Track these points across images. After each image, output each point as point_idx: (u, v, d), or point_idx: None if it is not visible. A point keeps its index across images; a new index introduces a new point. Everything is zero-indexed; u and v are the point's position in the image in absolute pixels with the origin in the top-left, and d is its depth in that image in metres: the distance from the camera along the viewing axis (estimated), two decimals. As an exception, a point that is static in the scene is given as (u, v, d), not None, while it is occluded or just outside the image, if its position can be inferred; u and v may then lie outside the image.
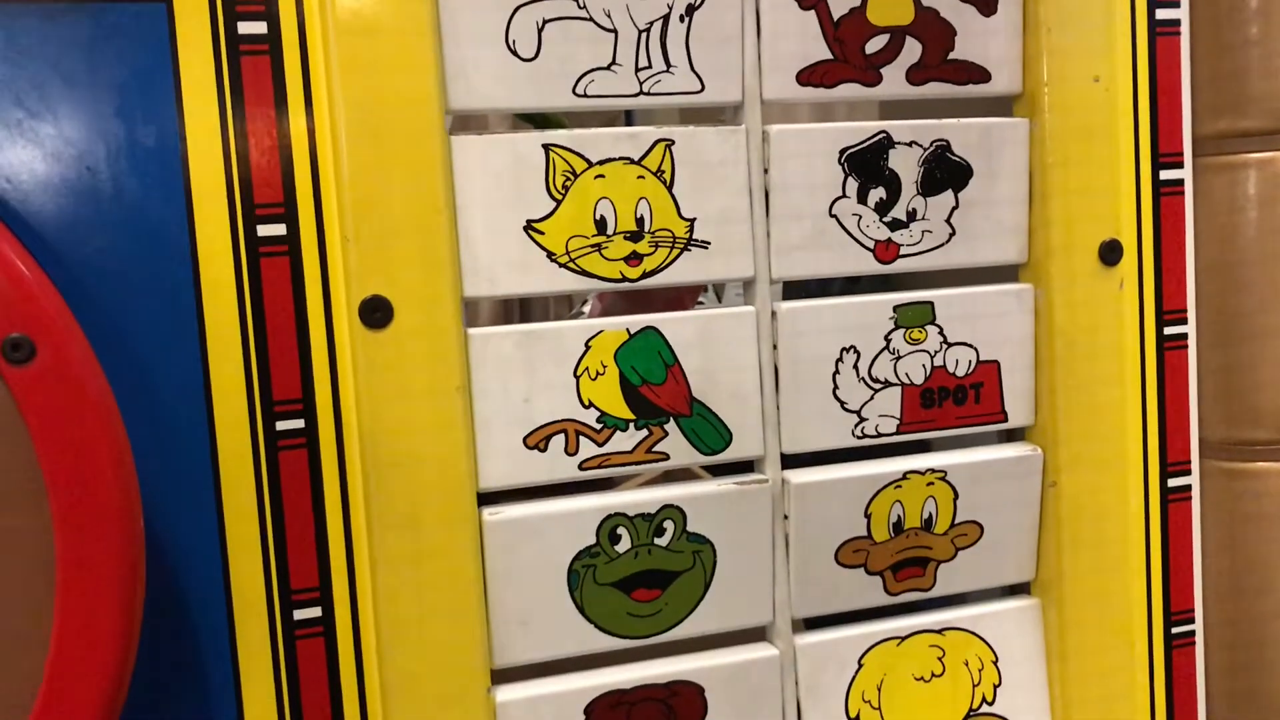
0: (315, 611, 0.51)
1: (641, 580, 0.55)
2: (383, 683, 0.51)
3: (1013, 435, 0.62)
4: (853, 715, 0.59)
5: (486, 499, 0.53)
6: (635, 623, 0.55)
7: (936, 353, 0.59)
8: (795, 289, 0.60)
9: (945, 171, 0.58)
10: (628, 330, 0.54)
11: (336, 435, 0.51)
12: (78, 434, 0.44)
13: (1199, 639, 0.66)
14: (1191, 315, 0.64)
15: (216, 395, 0.49)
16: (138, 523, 0.45)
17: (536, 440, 0.53)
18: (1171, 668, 0.65)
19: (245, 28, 0.48)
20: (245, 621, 0.50)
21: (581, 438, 0.54)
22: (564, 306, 1.27)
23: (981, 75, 0.59)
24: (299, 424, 0.50)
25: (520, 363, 0.52)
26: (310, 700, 0.51)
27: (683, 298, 0.76)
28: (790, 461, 0.58)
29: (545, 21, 0.52)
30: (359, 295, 0.49)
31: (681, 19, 0.53)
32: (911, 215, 0.58)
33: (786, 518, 0.57)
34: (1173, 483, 0.65)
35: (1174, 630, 0.66)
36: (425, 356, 0.50)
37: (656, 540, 0.55)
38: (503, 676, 0.54)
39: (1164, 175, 0.63)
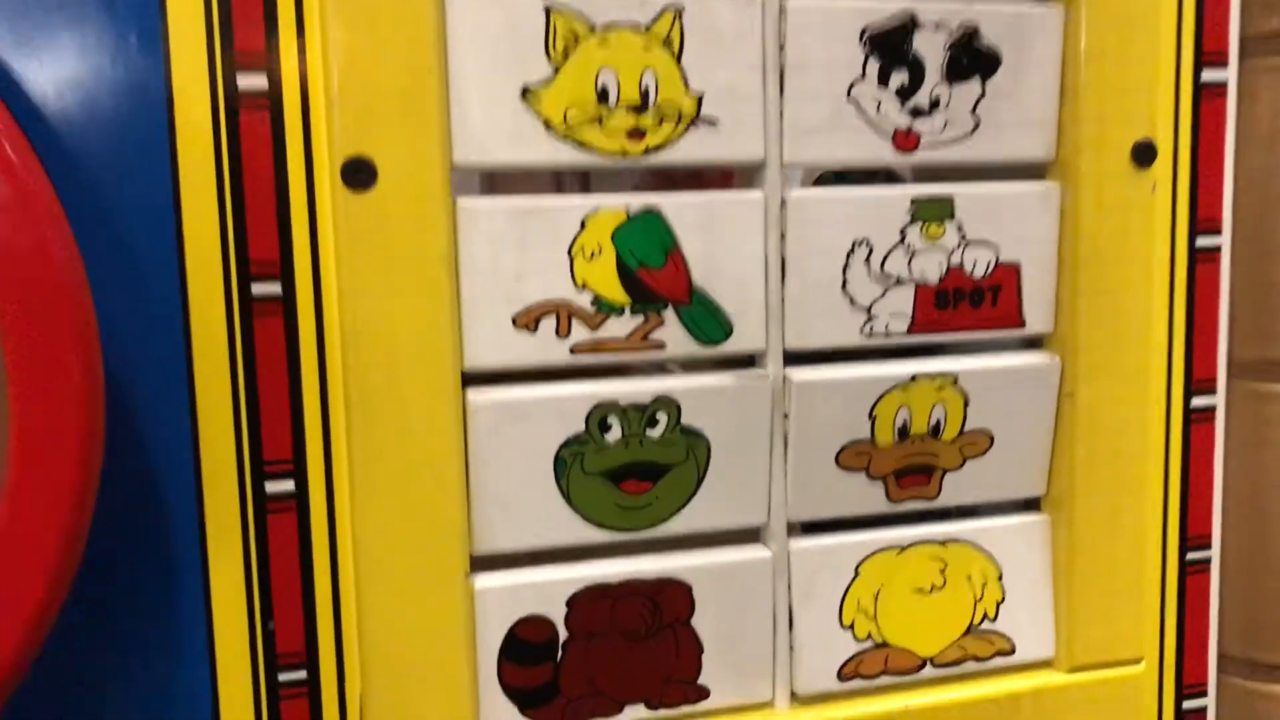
0: (288, 485, 0.49)
1: (631, 472, 0.53)
2: (357, 564, 0.49)
3: (1030, 343, 0.59)
4: (847, 623, 0.57)
5: (471, 381, 0.51)
6: (623, 515, 0.53)
7: (954, 251, 0.56)
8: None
9: (972, 59, 0.55)
10: (627, 210, 0.51)
11: (315, 302, 0.49)
12: (38, 295, 0.41)
13: (1215, 565, 0.63)
14: (1227, 227, 0.61)
15: (190, 255, 0.47)
16: (98, 390, 0.43)
17: (526, 321, 0.51)
18: (1184, 594, 0.63)
19: None
20: (214, 491, 0.48)
21: (574, 321, 0.51)
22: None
23: (1017, -45, 0.55)
24: (275, 288, 0.48)
25: (512, 238, 0.50)
26: (280, 577, 0.49)
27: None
28: (793, 359, 0.55)
29: None
30: (341, 155, 0.47)
31: (696, -124, 0.50)
32: (934, 103, 0.55)
33: (786, 416, 0.55)
34: (1196, 401, 0.62)
35: (1189, 555, 0.63)
36: (410, 223, 0.48)
37: (649, 432, 0.53)
38: (483, 564, 0.52)
39: (1206, 76, 0.59)
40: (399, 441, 0.49)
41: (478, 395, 0.51)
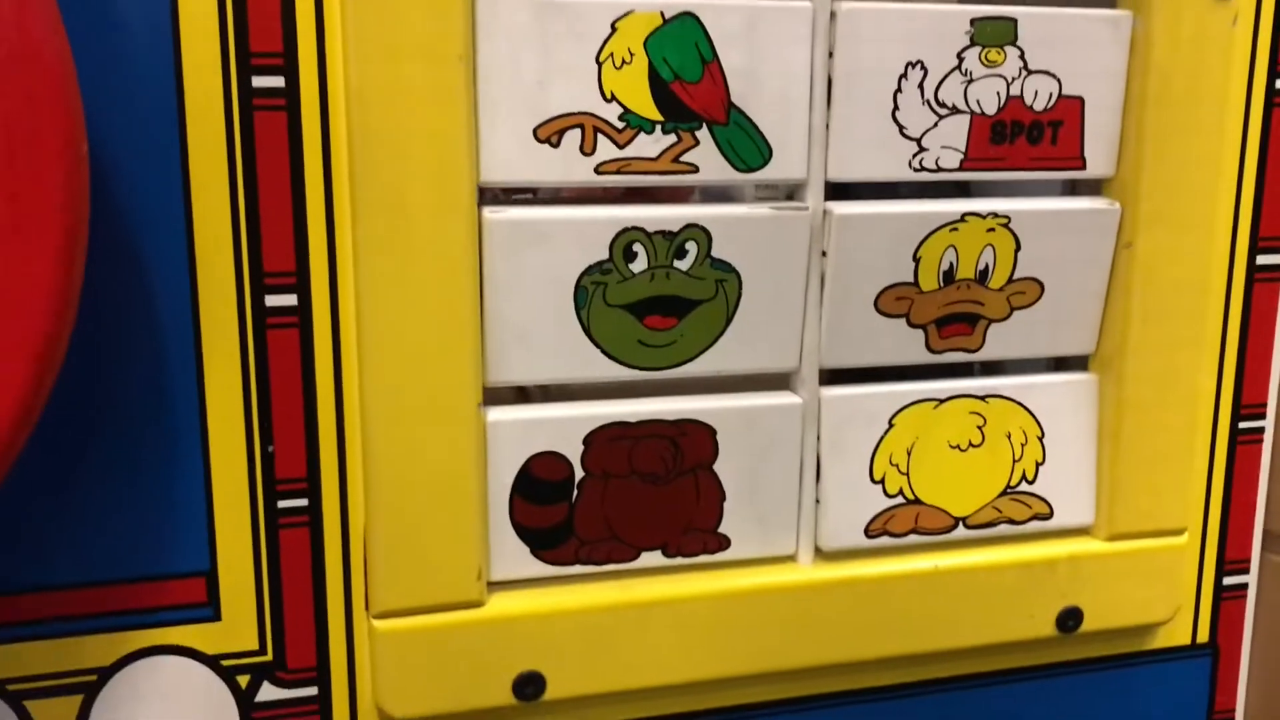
0: (290, 299, 0.46)
1: (657, 306, 0.49)
2: (362, 387, 0.46)
3: (1090, 188, 0.55)
4: (877, 477, 0.54)
5: (488, 198, 0.47)
6: (646, 352, 0.50)
7: (1014, 80, 0.52)
8: None
9: None
10: (662, 14, 0.47)
11: (320, 99, 0.45)
12: (22, 82, 0.37)
13: (1268, 437, 0.60)
14: (1311, 70, 0.56)
15: (185, 43, 0.43)
16: (82, 185, 0.39)
17: (548, 133, 0.47)
18: (1234, 463, 0.60)
19: None
20: (211, 303, 0.45)
21: (600, 136, 0.47)
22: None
23: None
24: (278, 81, 0.44)
25: (535, 37, 0.46)
26: (281, 398, 0.46)
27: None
28: (835, 191, 0.51)
29: None
30: (351, -69, 0.42)
31: None
32: (1003, -87, 0.50)
33: (825, 254, 0.51)
34: (1262, 260, 0.58)
35: (1241, 425, 0.60)
36: (424, 13, 0.44)
37: (677, 263, 0.49)
38: (497, 397, 0.49)
39: (1302, -102, 0.54)
40: (409, 258, 0.45)
41: (494, 213, 0.47)
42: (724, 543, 0.52)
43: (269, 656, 0.48)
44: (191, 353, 0.45)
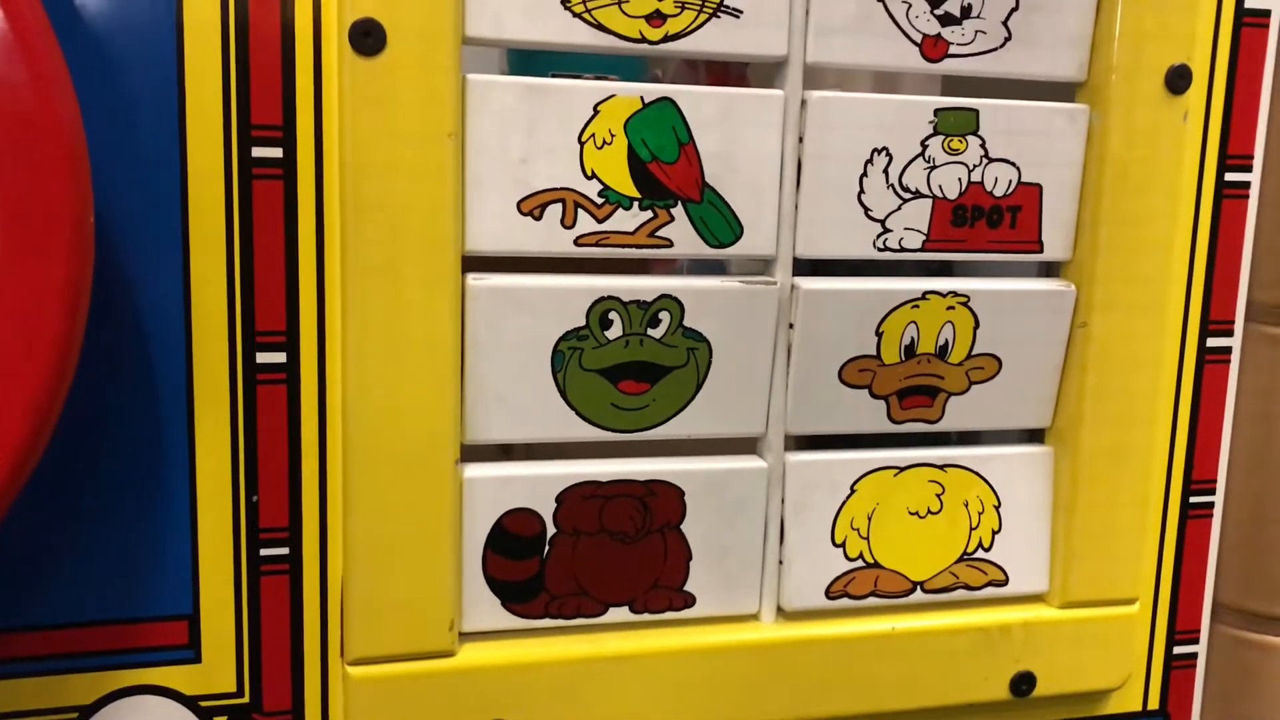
0: (279, 356, 0.48)
1: (630, 371, 0.52)
2: (345, 442, 0.49)
3: (1047, 270, 0.58)
4: (838, 540, 0.56)
5: (472, 266, 0.50)
6: (620, 415, 0.52)
7: (975, 167, 0.54)
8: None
9: (1009, -32, 0.53)
10: (642, 98, 0.50)
11: (315, 168, 0.47)
12: (35, 151, 0.40)
13: (1217, 511, 0.62)
14: (1258, 163, 0.59)
15: (190, 115, 0.46)
16: (88, 249, 0.42)
17: (531, 207, 0.49)
18: (1184, 538, 0.62)
19: None
20: (204, 358, 0.47)
21: (580, 210, 0.50)
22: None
23: None
24: (277, 152, 0.47)
25: (522, 118, 0.48)
26: (267, 450, 0.48)
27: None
28: (803, 267, 0.54)
29: None
30: (351, 16, 0.45)
31: None
32: (966, 11, 0.53)
33: (792, 326, 0.53)
34: (1212, 342, 0.60)
35: (1192, 499, 0.62)
36: (418, 94, 0.46)
37: (650, 331, 0.52)
38: (474, 454, 0.51)
39: (1249, 2, 0.57)
40: (395, 320, 0.48)
41: (478, 281, 0.49)
42: (689, 600, 0.54)
43: (246, 699, 0.49)
44: (184, 404, 0.47)
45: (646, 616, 0.54)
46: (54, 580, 0.47)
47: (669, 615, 0.54)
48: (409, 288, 0.48)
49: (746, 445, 0.55)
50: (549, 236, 0.50)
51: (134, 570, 0.48)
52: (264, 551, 0.49)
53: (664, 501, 0.53)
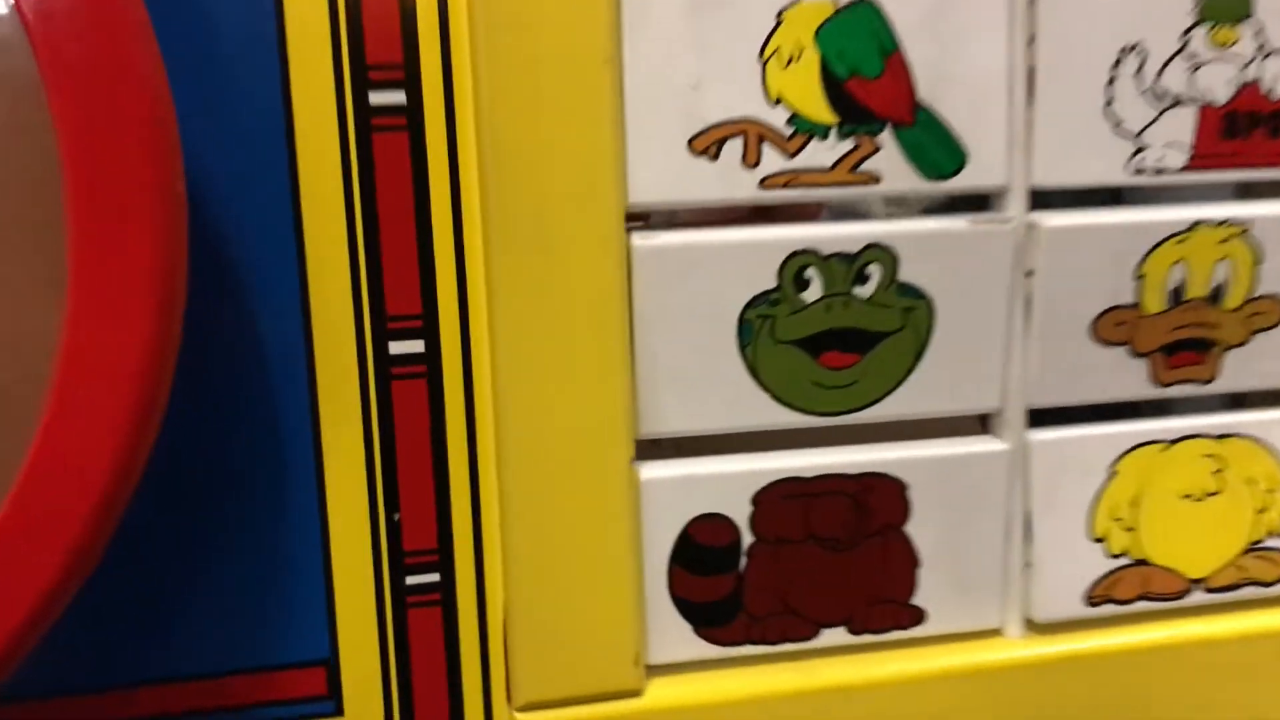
0: (416, 345, 0.40)
1: (834, 340, 0.42)
2: (499, 444, 0.40)
3: (1342, 186, 0.47)
4: (1098, 535, 0.46)
5: (637, 222, 0.41)
6: (822, 395, 0.43)
7: (1250, 63, 0.43)
8: None
9: None
10: (835, 1, 0.40)
11: (446, 115, 0.39)
12: (110, 102, 0.32)
13: None
14: None
15: (293, 55, 0.37)
16: (180, 227, 0.34)
17: (706, 144, 0.40)
18: None
19: None
20: (328, 353, 0.39)
21: (765, 145, 0.41)
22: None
23: None
24: (399, 97, 0.38)
25: (690, 35, 0.39)
26: (408, 458, 0.40)
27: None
28: (1041, 199, 0.43)
29: None
30: (478, -82, 0.37)
31: None
32: None
33: (1030, 274, 0.43)
34: None
35: None
36: (565, 13, 0.37)
37: (857, 290, 0.42)
38: (650, 450, 0.43)
39: None
40: (549, 294, 0.39)
41: (645, 240, 0.40)
42: (918, 616, 0.45)
43: (399, 755, 0.41)
44: (306, 409, 0.39)
45: (867, 638, 0.44)
46: (169, 629, 0.39)
47: (894, 635, 0.45)
48: (564, 253, 0.39)
49: (979, 423, 0.45)
50: (728, 180, 0.41)
51: (259, 611, 0.40)
52: (410, 579, 0.41)
53: (882, 498, 0.44)
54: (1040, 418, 0.45)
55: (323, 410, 0.39)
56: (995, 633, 0.46)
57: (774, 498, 0.43)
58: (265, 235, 0.38)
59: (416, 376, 0.40)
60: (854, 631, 0.44)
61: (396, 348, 0.40)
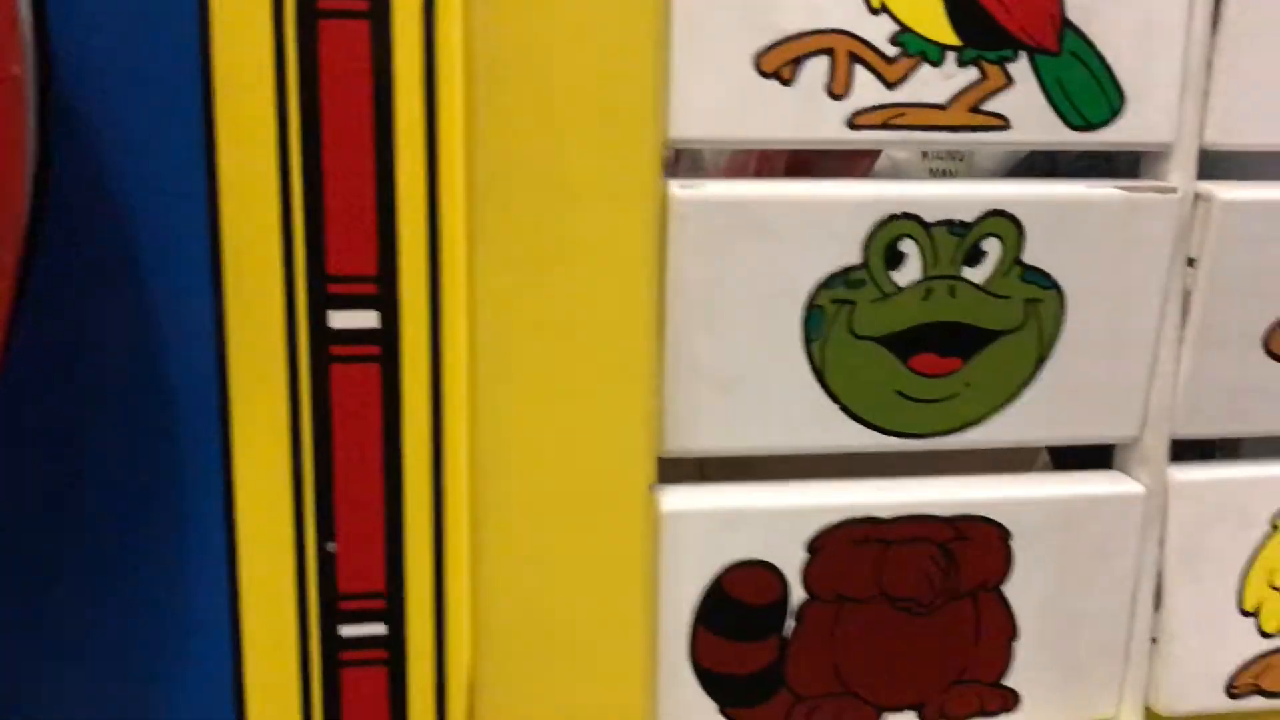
0: (367, 318, 0.29)
1: (931, 339, 0.32)
2: (473, 449, 0.30)
3: None
4: (1250, 606, 0.35)
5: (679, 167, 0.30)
6: (911, 410, 0.32)
7: None
8: None
9: None
10: (966, -127, 0.29)
11: (424, 1, 0.28)
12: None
13: None
14: None
15: None
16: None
17: (777, 63, 0.29)
18: None
19: None
20: (243, 324, 0.28)
21: (858, 69, 0.30)
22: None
23: None
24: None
25: (766, -93, 0.28)
26: (351, 467, 0.30)
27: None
28: (1216, 167, 0.33)
29: None
30: None
31: None
32: None
33: (1193, 263, 0.32)
34: None
35: None
36: None
37: (968, 272, 0.31)
38: (677, 472, 0.32)
39: None
40: (553, 257, 0.29)
41: (688, 191, 0.30)
42: (1011, 701, 0.34)
43: None
44: (214, 402, 0.29)
45: (945, 727, 0.34)
46: (34, 680, 0.29)
47: (979, 725, 0.34)
48: (577, 201, 0.29)
49: (1103, 457, 0.35)
50: (806, 112, 0.30)
51: (145, 665, 0.30)
52: (346, 630, 0.30)
53: (979, 549, 0.33)
54: (1187, 452, 0.35)
55: (235, 403, 0.29)
56: (1107, 725, 0.36)
57: (838, 543, 0.32)
58: (162, 153, 0.28)
59: (366, 360, 0.29)
60: (927, 718, 0.34)
61: (339, 320, 0.29)
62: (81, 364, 0.28)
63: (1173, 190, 0.32)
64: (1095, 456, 0.35)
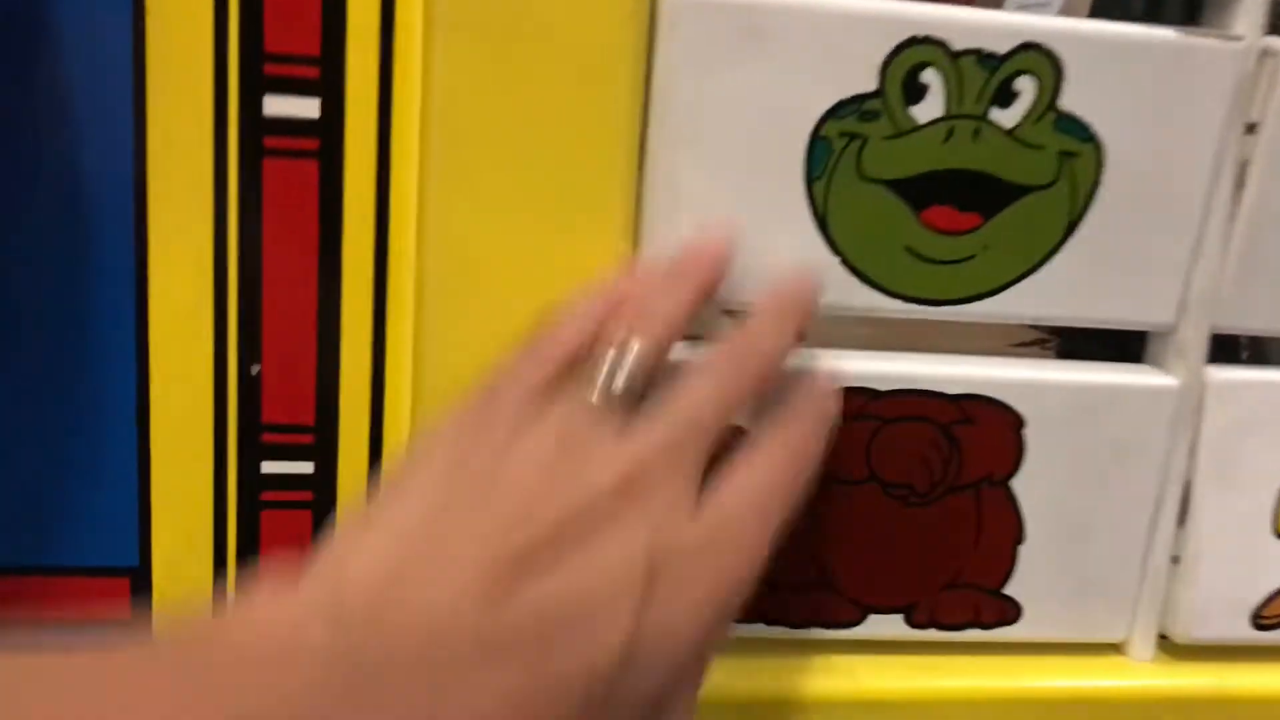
0: (306, 105, 0.25)
1: (948, 188, 0.28)
2: (420, 272, 0.26)
3: None
4: (1286, 530, 0.31)
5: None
6: (921, 270, 0.28)
7: None
8: None
9: None
10: None
11: None
12: None
13: None
14: None
15: None
16: None
17: None
18: None
19: None
20: (164, 110, 0.25)
21: None
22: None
23: None
24: None
25: None
26: (278, 274, 0.26)
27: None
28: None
29: None
30: None
31: None
32: None
33: (1252, 129, 0.29)
34: None
35: None
36: None
37: (995, 113, 0.27)
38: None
39: None
40: (520, 52, 0.25)
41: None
42: (1010, 612, 0.31)
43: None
44: (129, 192, 0.25)
45: (934, 634, 0.31)
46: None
47: (974, 635, 0.31)
48: (553, -13, 0.25)
49: (1134, 346, 0.31)
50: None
51: (33, 490, 0.26)
52: (268, 467, 0.27)
53: (986, 435, 0.29)
54: (1226, 349, 0.31)
55: (152, 198, 0.25)
56: (1115, 649, 0.32)
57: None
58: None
59: (304, 156, 0.26)
60: (916, 623, 0.31)
61: (275, 106, 0.25)
62: (-21, 131, 0.25)
63: (1238, 39, 0.28)
64: (1111, 355, 0.31)
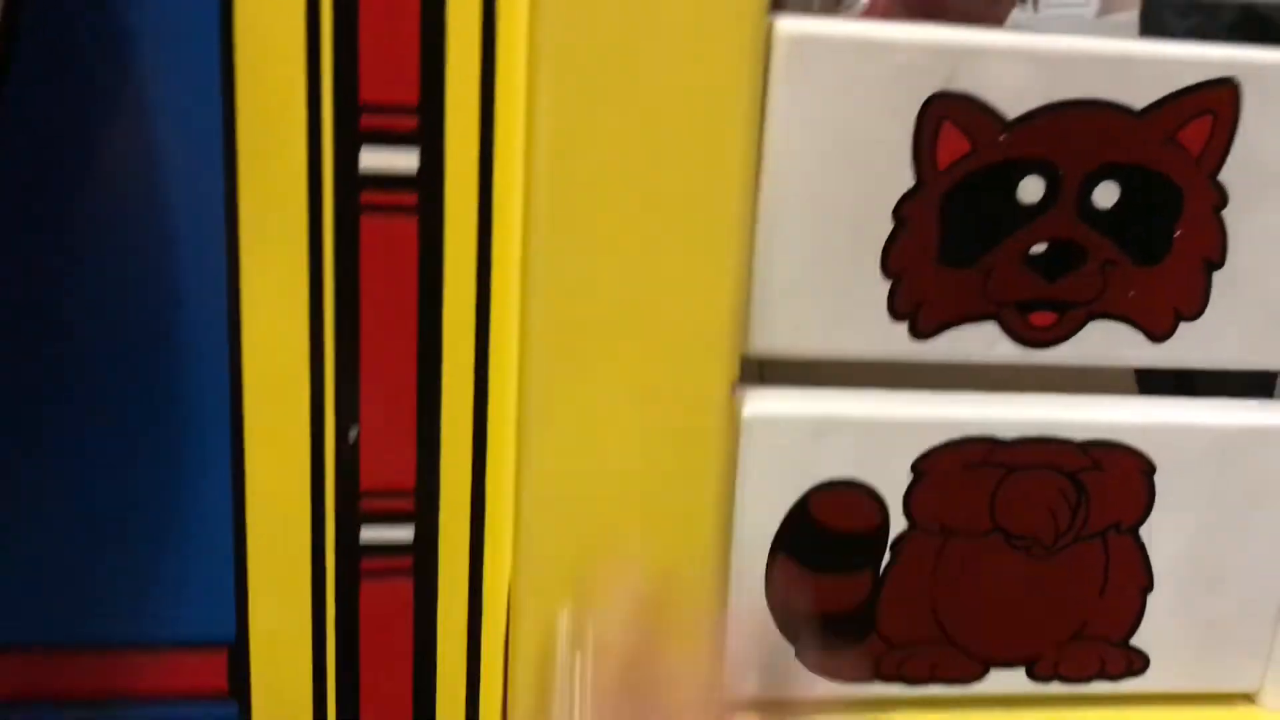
0: (405, 157, 0.24)
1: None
2: (524, 335, 0.25)
3: None
4: None
5: None
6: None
7: None
8: None
9: None
10: None
11: None
12: None
13: None
14: None
15: None
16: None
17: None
18: None
19: None
20: (255, 167, 0.24)
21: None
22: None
23: None
24: None
25: None
26: (378, 339, 0.25)
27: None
28: None
29: None
30: None
31: None
32: None
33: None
34: None
35: None
36: None
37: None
38: (762, 373, 0.27)
39: None
40: (626, 92, 0.24)
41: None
42: (1137, 663, 0.30)
43: (328, 800, 0.27)
44: (220, 251, 0.24)
45: (1058, 688, 0.29)
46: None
47: (1098, 687, 0.29)
48: (656, 27, 0.23)
49: (1265, 384, 0.29)
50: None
51: (129, 564, 0.25)
52: (367, 534, 0.26)
53: (1115, 482, 0.28)
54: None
55: (245, 257, 0.24)
56: (1247, 699, 0.31)
57: (949, 465, 0.27)
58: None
59: (402, 211, 0.24)
60: (1039, 677, 0.29)
61: (372, 159, 0.24)
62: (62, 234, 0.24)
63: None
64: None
